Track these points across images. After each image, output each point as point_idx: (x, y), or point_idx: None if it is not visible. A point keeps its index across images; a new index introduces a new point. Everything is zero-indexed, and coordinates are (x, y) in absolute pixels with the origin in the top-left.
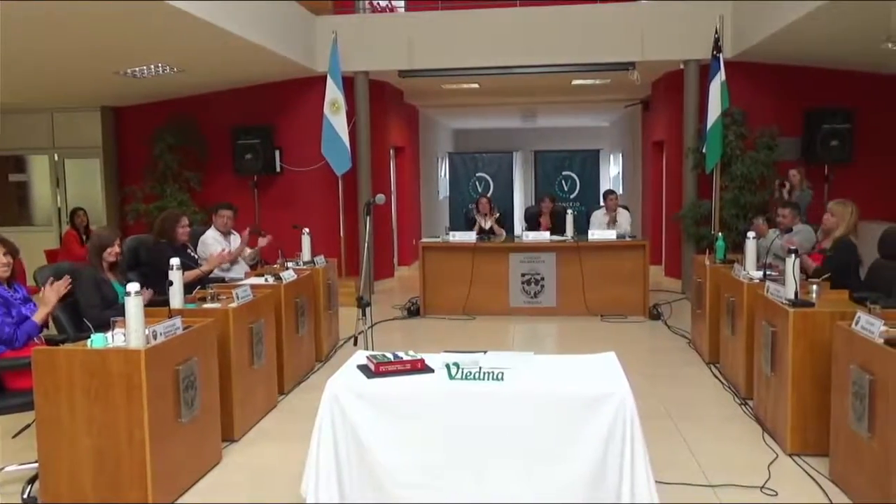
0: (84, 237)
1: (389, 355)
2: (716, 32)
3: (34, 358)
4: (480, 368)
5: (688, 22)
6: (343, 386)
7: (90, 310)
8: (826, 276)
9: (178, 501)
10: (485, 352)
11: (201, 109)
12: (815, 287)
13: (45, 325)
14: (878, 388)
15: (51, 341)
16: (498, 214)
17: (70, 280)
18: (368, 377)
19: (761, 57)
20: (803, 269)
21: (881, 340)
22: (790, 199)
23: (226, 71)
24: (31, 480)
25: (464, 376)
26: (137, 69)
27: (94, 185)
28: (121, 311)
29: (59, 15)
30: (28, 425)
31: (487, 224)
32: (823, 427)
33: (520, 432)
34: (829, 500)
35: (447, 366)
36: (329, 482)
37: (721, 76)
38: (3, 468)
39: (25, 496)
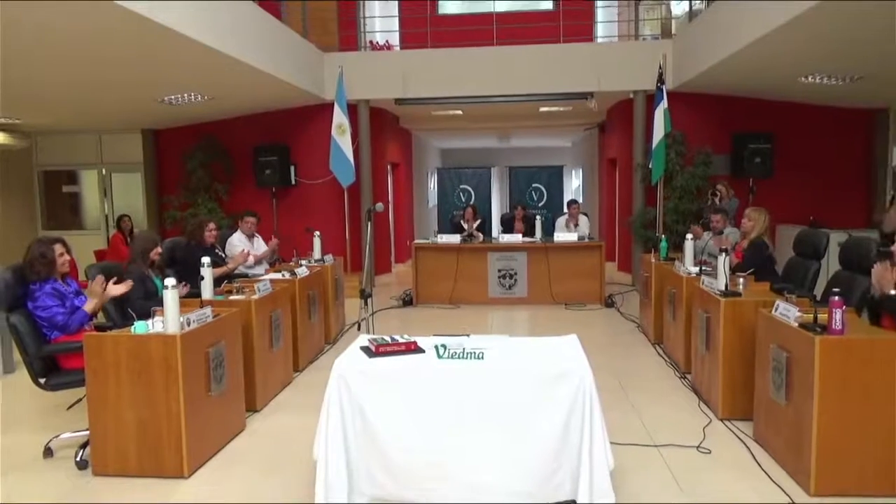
0: (129, 239)
1: (387, 338)
2: (660, 68)
3: (85, 342)
4: (464, 349)
5: (636, 59)
6: (348, 364)
7: (135, 301)
8: (751, 271)
9: (208, 463)
10: (468, 335)
11: (228, 131)
12: (741, 280)
13: (94, 314)
14: (794, 364)
15: (99, 328)
16: (479, 221)
17: (131, 284)
18: (370, 357)
19: (697, 88)
20: None
21: (796, 324)
22: (721, 206)
23: (249, 99)
24: (83, 446)
25: (450, 356)
26: (173, 97)
27: (137, 195)
28: (160, 303)
29: (111, 55)
30: (80, 399)
31: (471, 228)
32: (749, 396)
33: (498, 402)
34: (754, 456)
35: (436, 347)
36: (336, 446)
37: (664, 104)
38: (59, 435)
39: (78, 459)
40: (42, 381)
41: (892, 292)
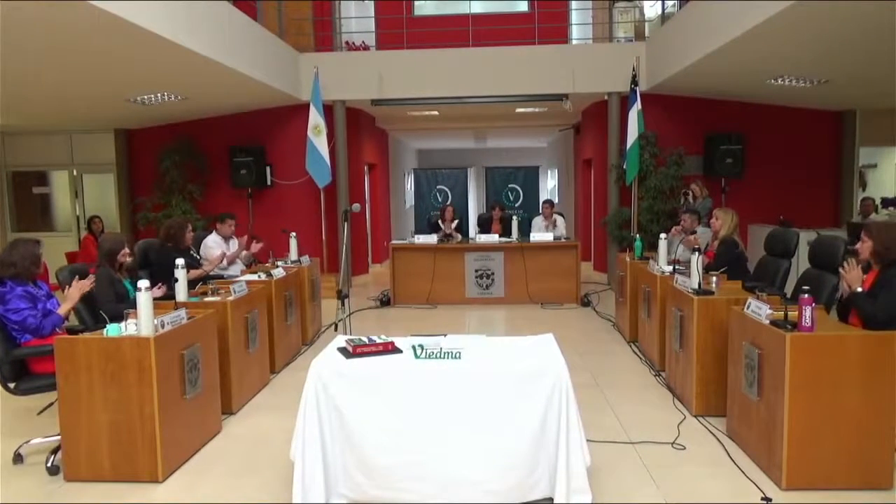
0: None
1: (365, 339)
2: (633, 70)
3: (57, 345)
4: (441, 349)
5: (610, 61)
6: (325, 365)
7: (105, 304)
8: (723, 269)
9: (183, 466)
10: (445, 335)
11: (203, 131)
12: (714, 279)
13: (67, 317)
14: (765, 360)
15: (71, 331)
16: (457, 221)
17: (93, 279)
18: (347, 357)
19: (670, 90)
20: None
21: (767, 321)
22: (693, 206)
23: (224, 99)
24: (54, 451)
25: (427, 356)
26: (146, 97)
27: (109, 196)
28: (132, 305)
29: (82, 54)
30: (51, 403)
31: (449, 229)
32: (722, 392)
33: (475, 401)
34: (727, 452)
35: (413, 347)
36: (314, 447)
37: (638, 106)
38: (29, 441)
39: (49, 465)
40: (12, 385)
41: (859, 290)
